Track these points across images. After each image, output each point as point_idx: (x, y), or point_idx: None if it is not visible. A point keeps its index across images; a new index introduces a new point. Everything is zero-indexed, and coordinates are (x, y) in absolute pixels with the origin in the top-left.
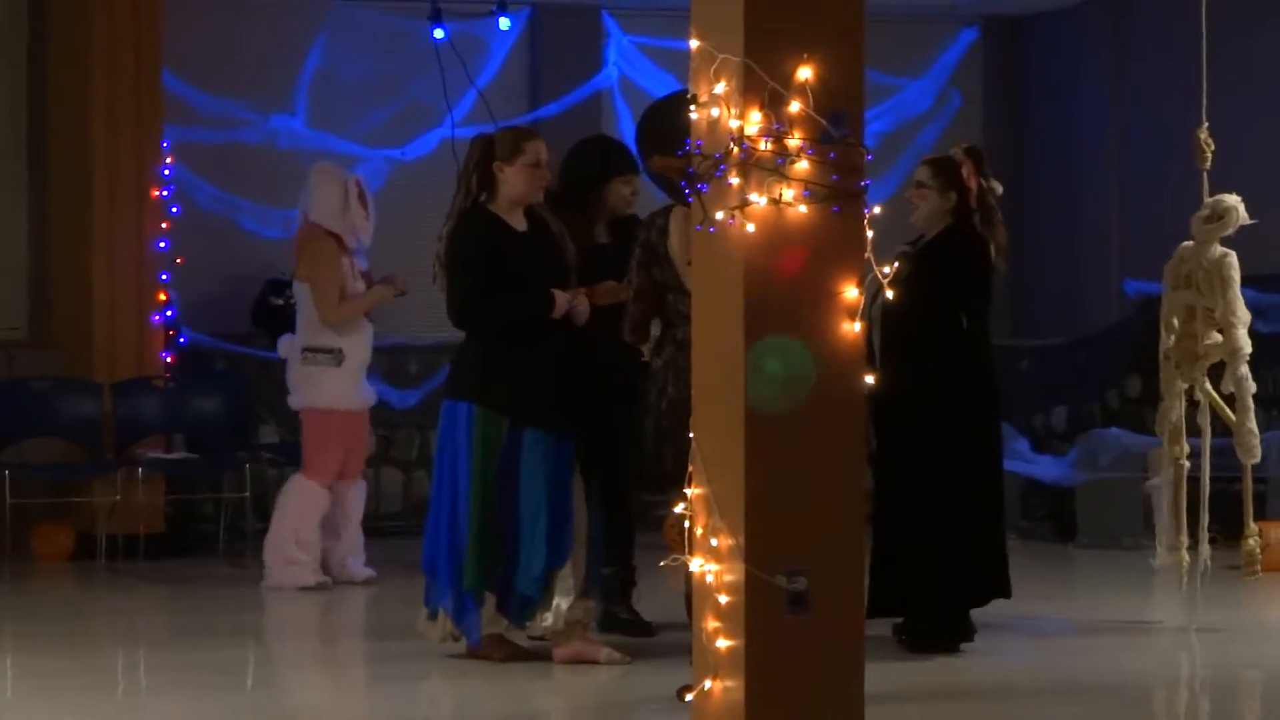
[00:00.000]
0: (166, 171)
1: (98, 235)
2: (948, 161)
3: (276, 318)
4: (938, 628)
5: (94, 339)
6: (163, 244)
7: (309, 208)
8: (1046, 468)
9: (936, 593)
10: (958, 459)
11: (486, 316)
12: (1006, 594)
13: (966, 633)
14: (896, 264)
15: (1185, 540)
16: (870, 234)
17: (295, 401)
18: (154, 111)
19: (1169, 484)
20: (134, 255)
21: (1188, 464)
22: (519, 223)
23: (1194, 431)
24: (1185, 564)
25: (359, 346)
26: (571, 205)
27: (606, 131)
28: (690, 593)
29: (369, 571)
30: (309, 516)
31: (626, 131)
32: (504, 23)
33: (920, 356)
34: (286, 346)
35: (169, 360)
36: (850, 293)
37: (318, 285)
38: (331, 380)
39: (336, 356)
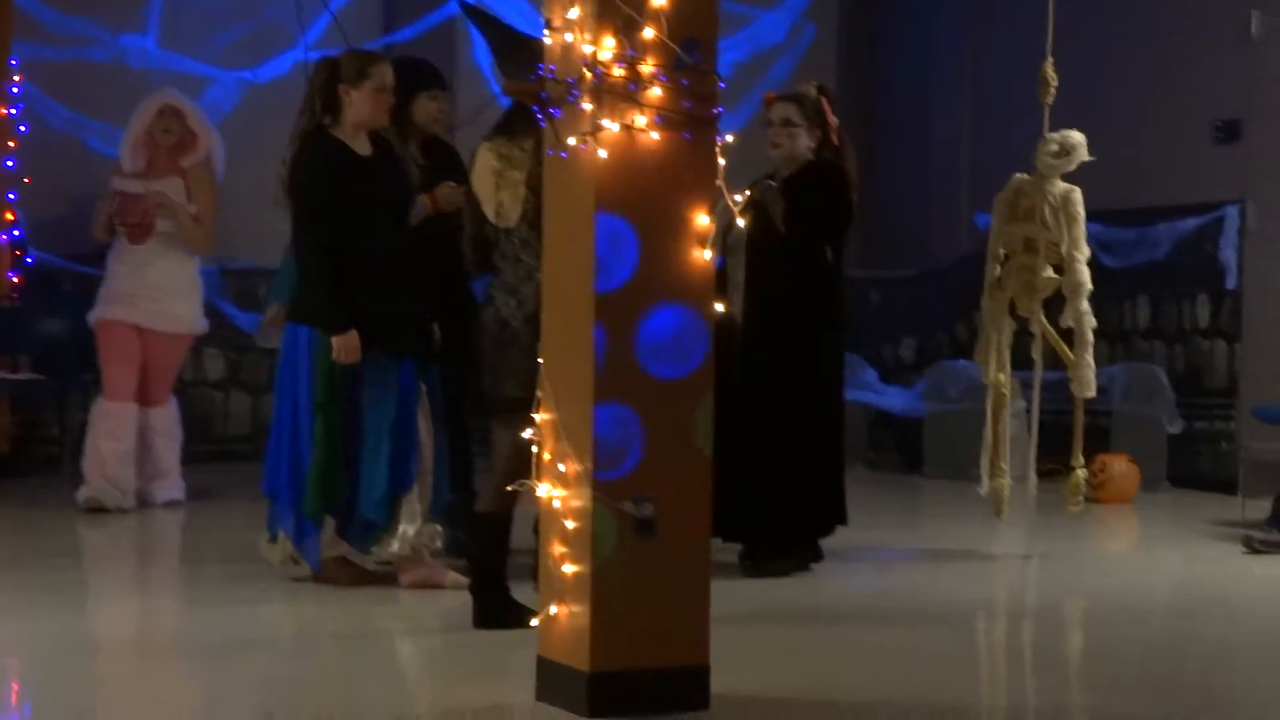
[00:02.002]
0: (14, 89)
1: None
2: (811, 99)
3: None
4: (781, 552)
5: None
6: (10, 163)
7: None
8: (894, 398)
9: (782, 519)
10: (813, 389)
11: (305, 265)
12: (845, 520)
13: (816, 555)
14: (761, 195)
15: (1006, 468)
16: (722, 162)
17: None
18: (3, 28)
19: (991, 413)
20: None
21: (1009, 394)
22: (363, 147)
23: (1025, 363)
24: (1006, 491)
25: (122, 266)
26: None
27: (460, 58)
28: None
29: (172, 495)
30: (95, 433)
31: (481, 58)
32: None
33: (787, 287)
34: None
35: (15, 280)
36: (701, 220)
37: None
38: (101, 298)
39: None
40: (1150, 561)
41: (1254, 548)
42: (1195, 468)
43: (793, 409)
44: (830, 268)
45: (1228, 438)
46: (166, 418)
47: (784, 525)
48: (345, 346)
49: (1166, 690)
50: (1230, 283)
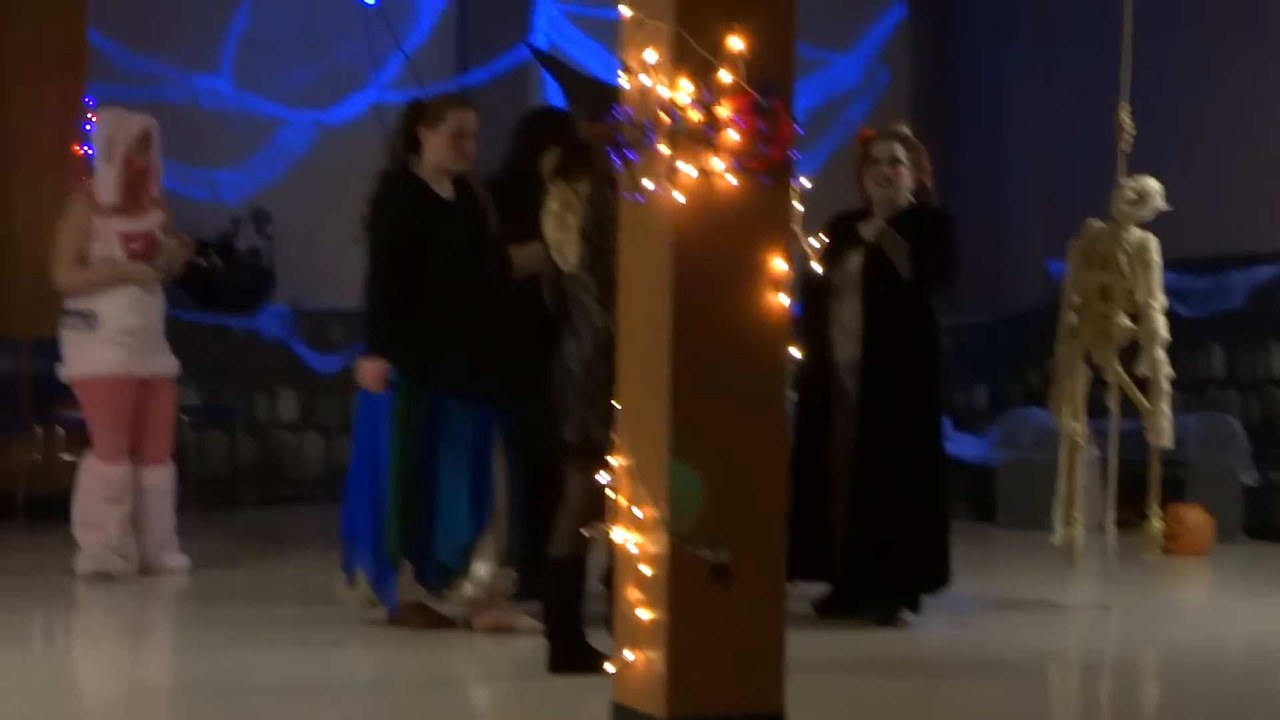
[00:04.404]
0: (89, 128)
1: (18, 190)
2: (913, 140)
3: (198, 280)
4: (910, 603)
5: (12, 296)
6: None
7: None
8: (967, 446)
9: (912, 570)
10: (932, 439)
11: (370, 298)
12: (950, 576)
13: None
14: (880, 237)
15: (1079, 517)
16: (799, 207)
17: (62, 373)
18: (77, 68)
19: (1065, 461)
20: (55, 212)
21: (1083, 443)
22: (444, 190)
23: (1100, 412)
24: (1079, 541)
25: (120, 309)
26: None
27: (534, 100)
28: (612, 563)
29: (183, 560)
30: (91, 496)
31: (555, 101)
32: None
33: (908, 332)
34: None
35: None
36: (777, 265)
37: (55, 244)
38: (92, 346)
39: (89, 320)
40: (1224, 615)
41: None
42: (1272, 520)
43: (917, 459)
44: (936, 314)
45: None
46: (170, 476)
47: (914, 576)
48: (369, 370)
49: None
50: None
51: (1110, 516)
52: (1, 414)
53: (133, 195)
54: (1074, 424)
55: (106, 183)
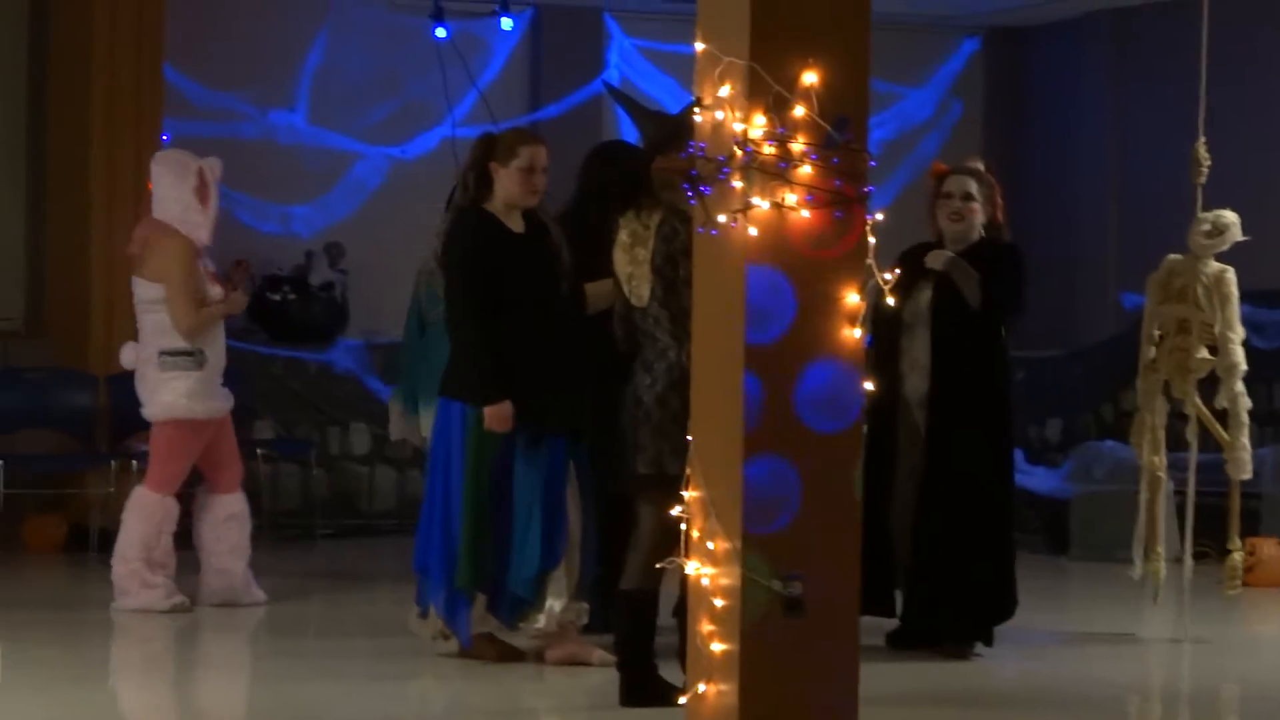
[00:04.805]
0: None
1: (95, 226)
2: (986, 175)
3: (273, 313)
4: (980, 635)
5: (90, 330)
6: None
7: (154, 202)
8: (1040, 479)
9: (980, 600)
10: (1001, 472)
11: (457, 339)
12: (1016, 605)
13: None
14: (950, 268)
15: (1162, 551)
16: (872, 240)
17: (152, 411)
18: (154, 104)
19: (1146, 495)
20: (123, 249)
21: (1164, 477)
22: (516, 224)
23: (1178, 445)
24: (1161, 575)
25: (215, 346)
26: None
27: (606, 135)
28: (683, 596)
29: (258, 593)
30: (163, 533)
31: (628, 135)
32: (506, 23)
33: (978, 366)
34: (132, 354)
35: None
36: (851, 298)
37: (174, 289)
38: (191, 386)
39: (199, 359)
40: None
41: None
42: None
43: (984, 492)
44: (1006, 348)
45: None
46: (245, 502)
47: (979, 608)
48: (497, 415)
49: None
50: None
51: (1188, 549)
52: (77, 447)
53: None
54: (1154, 458)
55: (202, 224)
